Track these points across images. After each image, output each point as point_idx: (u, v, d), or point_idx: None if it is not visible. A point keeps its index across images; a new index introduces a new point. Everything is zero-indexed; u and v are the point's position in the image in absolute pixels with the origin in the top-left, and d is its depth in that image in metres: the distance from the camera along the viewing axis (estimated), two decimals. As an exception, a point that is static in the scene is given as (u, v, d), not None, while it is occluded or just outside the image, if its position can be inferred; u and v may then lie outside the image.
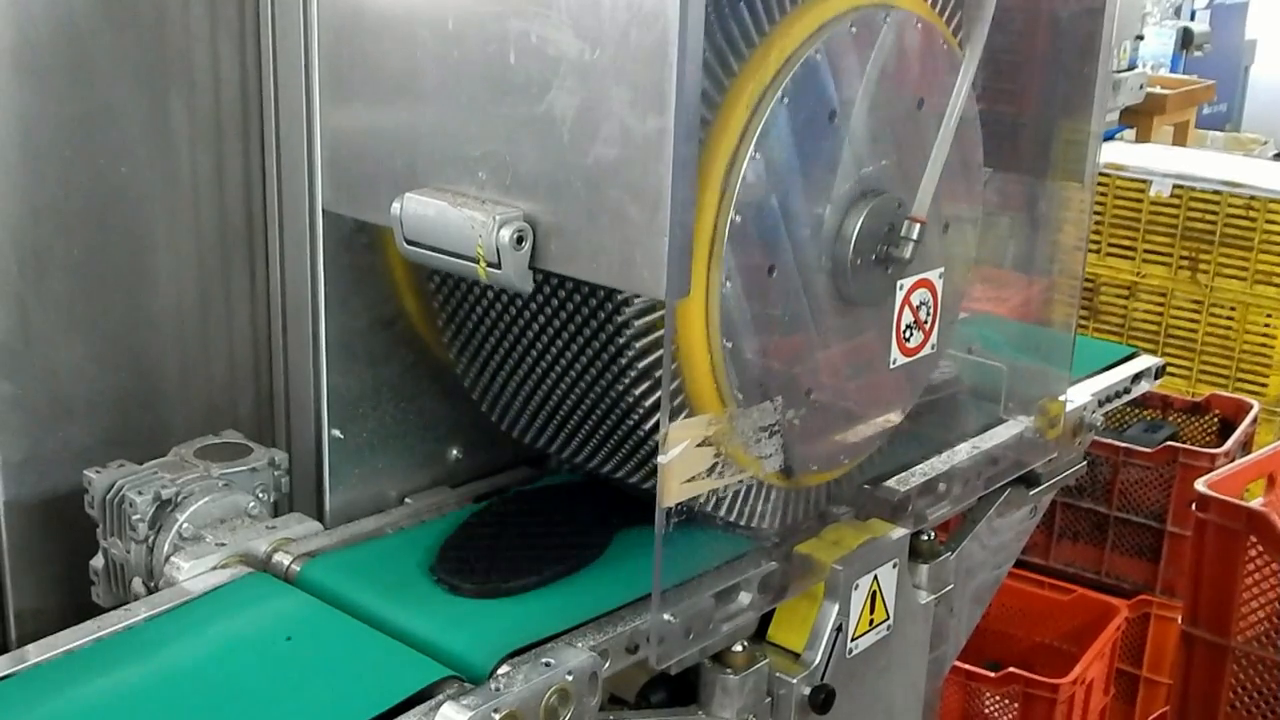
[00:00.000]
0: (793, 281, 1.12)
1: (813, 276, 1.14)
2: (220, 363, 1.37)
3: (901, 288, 1.22)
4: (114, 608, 1.13)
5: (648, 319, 1.07)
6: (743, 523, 1.17)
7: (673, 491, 1.03)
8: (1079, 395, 1.64)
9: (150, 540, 1.16)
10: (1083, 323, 3.74)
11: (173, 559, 1.14)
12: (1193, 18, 6.61)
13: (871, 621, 1.29)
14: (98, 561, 1.22)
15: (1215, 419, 3.08)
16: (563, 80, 1.01)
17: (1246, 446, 2.85)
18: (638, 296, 1.05)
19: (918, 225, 1.17)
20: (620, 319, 1.08)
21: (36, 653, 1.04)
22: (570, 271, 1.05)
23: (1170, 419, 3.34)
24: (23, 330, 1.22)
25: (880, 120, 1.15)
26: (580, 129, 1.00)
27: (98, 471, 1.21)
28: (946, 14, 1.24)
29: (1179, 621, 2.13)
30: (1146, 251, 3.87)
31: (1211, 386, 3.60)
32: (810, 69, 1.07)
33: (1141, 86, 4.77)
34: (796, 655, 1.23)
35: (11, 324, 1.21)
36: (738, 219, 1.04)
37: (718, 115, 1.04)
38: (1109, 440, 3.07)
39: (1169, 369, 1.87)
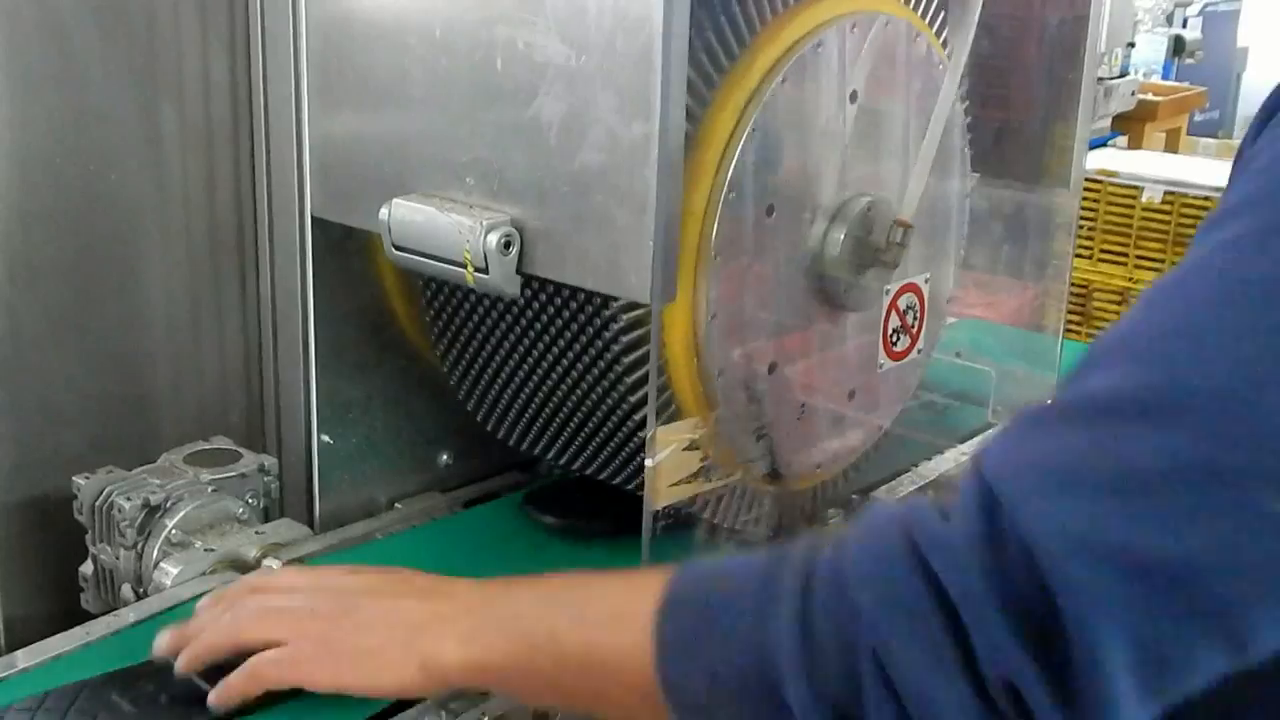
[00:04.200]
0: (778, 286, 1.13)
1: (798, 281, 1.14)
2: (210, 369, 1.37)
3: (888, 293, 1.22)
4: (103, 613, 1.13)
5: (634, 322, 1.07)
6: (731, 526, 1.17)
7: (660, 494, 1.03)
8: (1068, 400, 1.64)
9: (139, 546, 1.16)
10: (1075, 328, 3.76)
11: (161, 564, 1.14)
12: (1185, 25, 6.64)
13: (860, 625, 1.29)
14: (87, 568, 1.22)
15: (1206, 424, 3.09)
16: (550, 86, 1.01)
17: (1237, 451, 2.86)
18: (624, 301, 1.06)
19: (904, 230, 1.17)
20: (607, 323, 1.08)
21: (25, 659, 1.04)
22: (557, 276, 1.05)
23: (1162, 424, 3.35)
24: (12, 336, 1.23)
25: (866, 126, 1.16)
26: (567, 135, 1.01)
27: (86, 477, 1.21)
28: (932, 20, 1.25)
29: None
30: (1139, 258, 3.88)
31: (1203, 392, 3.60)
32: (796, 75, 1.08)
33: (1133, 93, 4.79)
34: (785, 659, 1.23)
35: (1, 330, 1.22)
36: (723, 224, 1.05)
37: (704, 121, 1.05)
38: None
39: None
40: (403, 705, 0.97)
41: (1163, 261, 3.85)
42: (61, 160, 1.23)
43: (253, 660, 0.92)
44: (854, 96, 1.14)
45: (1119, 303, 3.92)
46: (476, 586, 0.92)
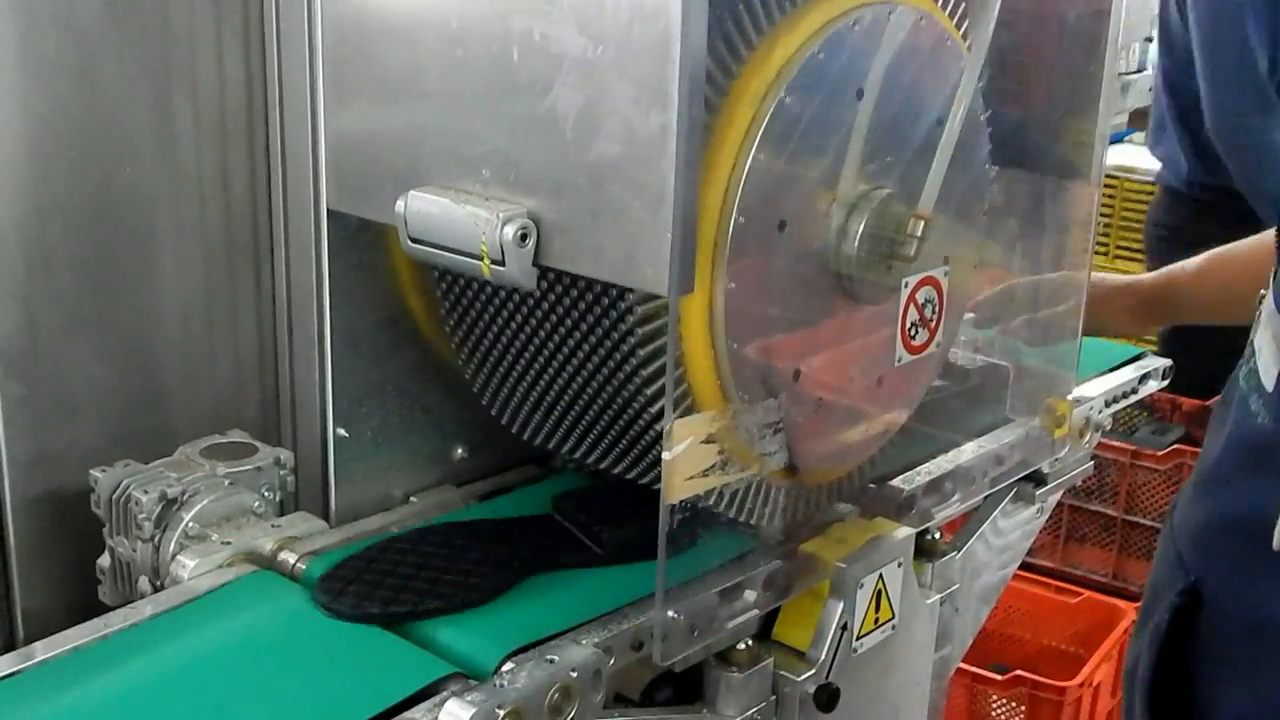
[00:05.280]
0: (796, 279, 1.12)
1: (817, 274, 1.14)
2: (225, 362, 1.37)
3: (906, 285, 1.22)
4: (120, 606, 1.13)
5: (651, 314, 1.07)
6: (747, 520, 1.17)
7: (677, 488, 1.03)
8: (1086, 395, 1.64)
9: (156, 539, 1.16)
10: (1091, 325, 3.73)
11: (178, 557, 1.14)
12: (1201, 20, 6.59)
13: (877, 620, 1.29)
14: (104, 560, 1.22)
15: (1224, 421, 3.06)
16: (566, 78, 1.01)
17: (1255, 448, 2.83)
18: (641, 293, 1.05)
19: (923, 223, 1.16)
20: (623, 315, 1.08)
21: (43, 650, 1.05)
22: (574, 268, 1.05)
23: (1179, 421, 3.33)
24: (29, 331, 1.23)
25: (885, 117, 1.15)
26: (583, 126, 1.01)
27: (104, 470, 1.21)
28: (952, 11, 1.24)
29: (1187, 623, 2.12)
30: (1155, 254, 3.86)
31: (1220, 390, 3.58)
32: (814, 66, 1.07)
33: (1150, 88, 4.76)
34: (801, 654, 1.23)
35: (18, 324, 1.22)
36: (741, 216, 1.04)
37: (722, 112, 1.04)
38: (1117, 442, 3.06)
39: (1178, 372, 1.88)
40: (408, 702, 0.97)
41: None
42: (76, 155, 1.23)
43: None
44: (872, 88, 1.13)
45: (1135, 300, 3.90)
46: None
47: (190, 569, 1.13)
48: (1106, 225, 3.85)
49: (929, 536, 1.40)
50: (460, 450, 1.35)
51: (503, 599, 1.11)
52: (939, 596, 1.40)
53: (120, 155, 1.26)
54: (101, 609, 1.16)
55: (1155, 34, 3.18)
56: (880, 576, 1.28)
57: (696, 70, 0.95)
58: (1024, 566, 1.88)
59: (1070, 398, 1.53)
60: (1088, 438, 1.63)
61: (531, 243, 1.03)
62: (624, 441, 1.19)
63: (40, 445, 1.24)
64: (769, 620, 1.23)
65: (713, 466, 1.07)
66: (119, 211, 1.27)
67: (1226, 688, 1.35)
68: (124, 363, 1.30)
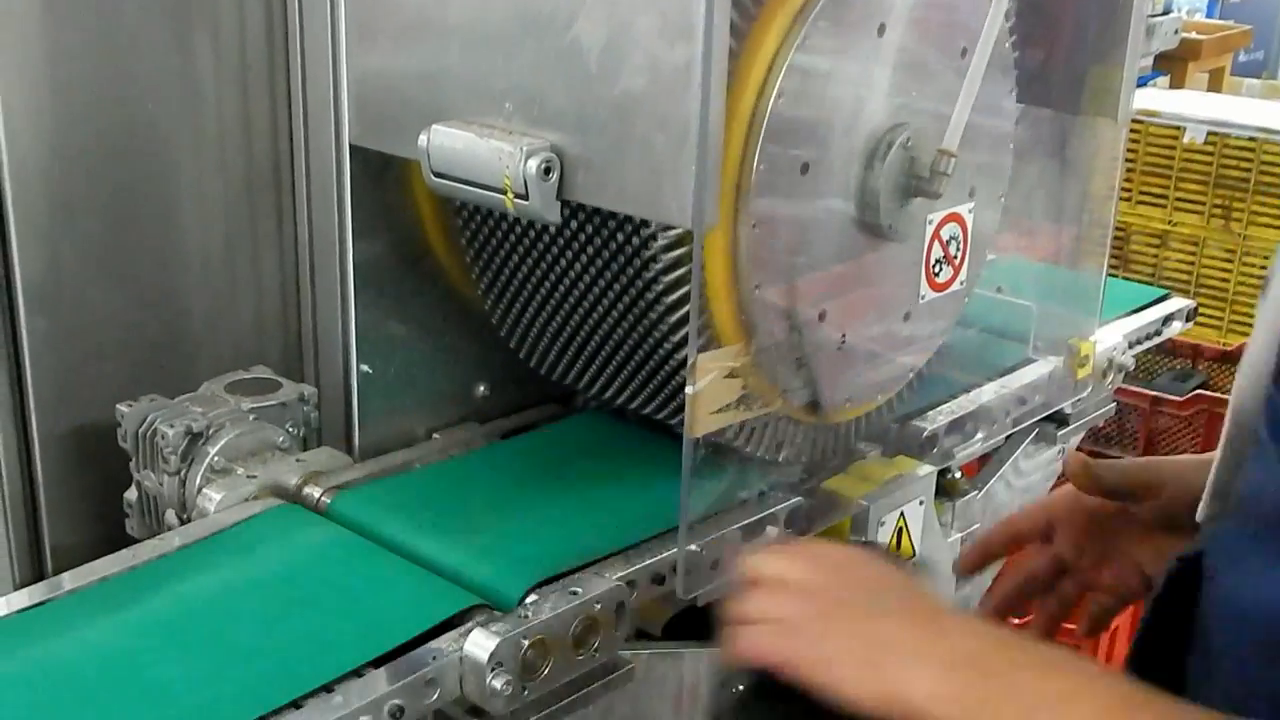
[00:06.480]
0: (820, 214, 1.11)
1: (841, 209, 1.13)
2: (248, 301, 1.37)
3: (931, 222, 1.21)
4: (147, 539, 1.14)
5: (675, 250, 1.06)
6: (770, 457, 1.17)
7: (701, 422, 1.03)
8: (1109, 336, 1.63)
9: (182, 472, 1.17)
10: (1113, 271, 3.69)
11: (204, 490, 1.15)
12: (1230, -38, 6.47)
13: (898, 557, 1.29)
14: (131, 494, 1.23)
15: (1246, 367, 3.04)
16: (590, 10, 1.00)
17: (1278, 394, 2.82)
18: (665, 228, 1.05)
19: (948, 159, 1.15)
20: (647, 250, 1.07)
21: (72, 581, 1.06)
22: (598, 202, 1.04)
23: (1200, 368, 3.32)
24: (54, 270, 1.23)
25: (912, 51, 1.14)
26: (607, 59, 1.00)
27: (130, 405, 1.22)
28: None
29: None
30: (1179, 199, 3.82)
31: (1243, 336, 3.56)
32: (840, -2, 1.06)
33: (1176, 31, 4.66)
34: (822, 590, 1.24)
35: (42, 264, 1.22)
36: (765, 150, 1.03)
37: (746, 45, 1.03)
38: (1138, 389, 3.05)
39: (1201, 318, 1.86)
40: (433, 632, 0.98)
41: (1203, 204, 3.78)
42: (97, 96, 1.22)
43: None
44: (898, 20, 1.12)
45: (1158, 245, 3.86)
46: (956, 618, 0.88)
47: (216, 502, 1.14)
48: (1130, 170, 3.80)
49: (950, 476, 1.41)
50: (482, 388, 1.36)
51: (525, 527, 1.11)
52: (960, 535, 1.41)
53: (141, 95, 1.25)
54: (128, 543, 1.17)
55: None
56: (902, 514, 1.28)
57: (722, 2, 0.94)
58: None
59: (1093, 337, 1.52)
60: (1110, 379, 1.63)
61: (555, 176, 1.03)
62: (645, 377, 1.18)
63: (66, 382, 1.25)
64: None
65: (736, 401, 1.07)
66: (141, 151, 1.26)
67: (1207, 676, 1.33)
68: (147, 302, 1.30)
